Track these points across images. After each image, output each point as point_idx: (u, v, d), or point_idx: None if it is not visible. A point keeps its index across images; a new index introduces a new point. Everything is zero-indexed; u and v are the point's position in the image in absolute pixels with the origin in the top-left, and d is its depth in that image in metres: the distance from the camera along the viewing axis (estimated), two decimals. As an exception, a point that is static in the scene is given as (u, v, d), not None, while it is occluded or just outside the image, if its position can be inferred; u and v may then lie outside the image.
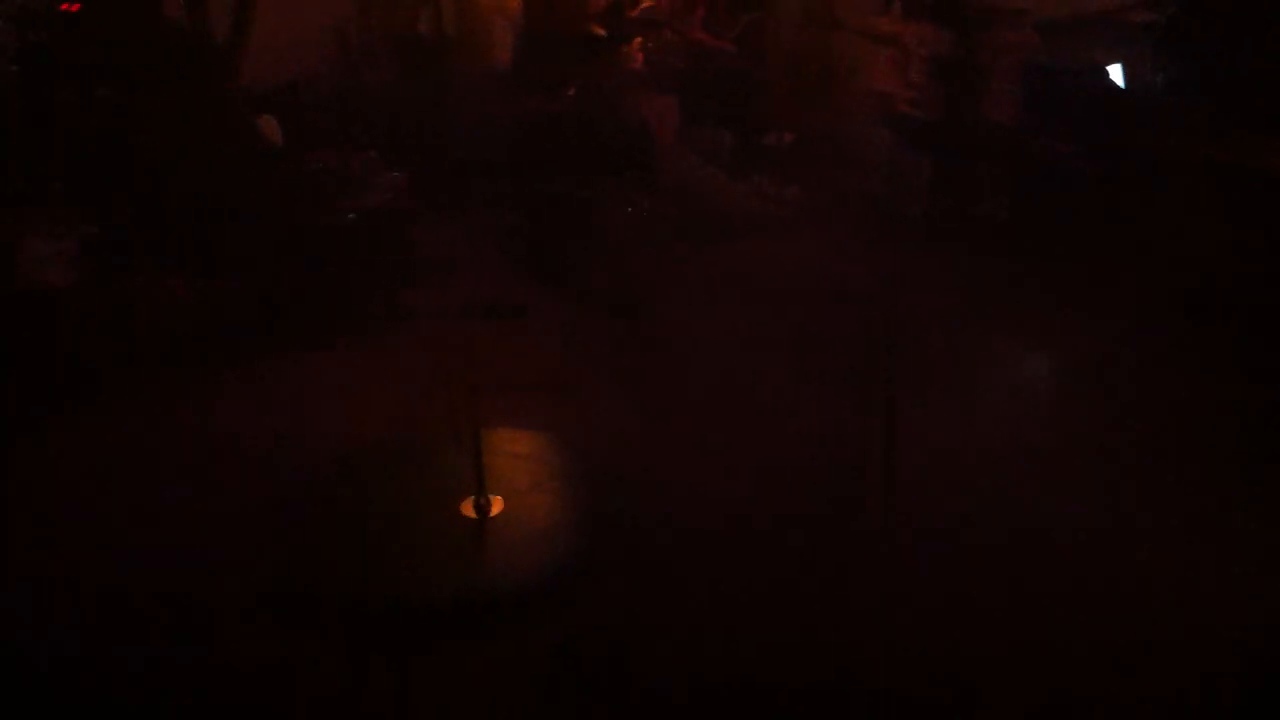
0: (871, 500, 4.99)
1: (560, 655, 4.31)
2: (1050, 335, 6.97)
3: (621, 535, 4.97)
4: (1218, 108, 7.57)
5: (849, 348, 6.31)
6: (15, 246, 6.64)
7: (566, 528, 5.03)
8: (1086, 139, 7.93)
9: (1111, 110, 8.04)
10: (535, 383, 6.45)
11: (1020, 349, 6.91)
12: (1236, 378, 6.17)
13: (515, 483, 5.26)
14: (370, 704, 4.14)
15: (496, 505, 5.04)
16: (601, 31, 9.01)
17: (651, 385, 6.49)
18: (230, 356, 6.77)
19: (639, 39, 9.53)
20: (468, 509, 5.00)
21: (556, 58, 8.27)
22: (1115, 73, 8.41)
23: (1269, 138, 7.02)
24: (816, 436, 5.77)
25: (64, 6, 6.29)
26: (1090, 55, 8.47)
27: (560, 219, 8.28)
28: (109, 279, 6.79)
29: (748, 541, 4.97)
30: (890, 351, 5.35)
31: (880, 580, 4.65)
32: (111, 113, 6.58)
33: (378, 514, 5.12)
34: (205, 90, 6.95)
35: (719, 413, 6.16)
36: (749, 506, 5.19)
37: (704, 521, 5.08)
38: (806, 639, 4.36)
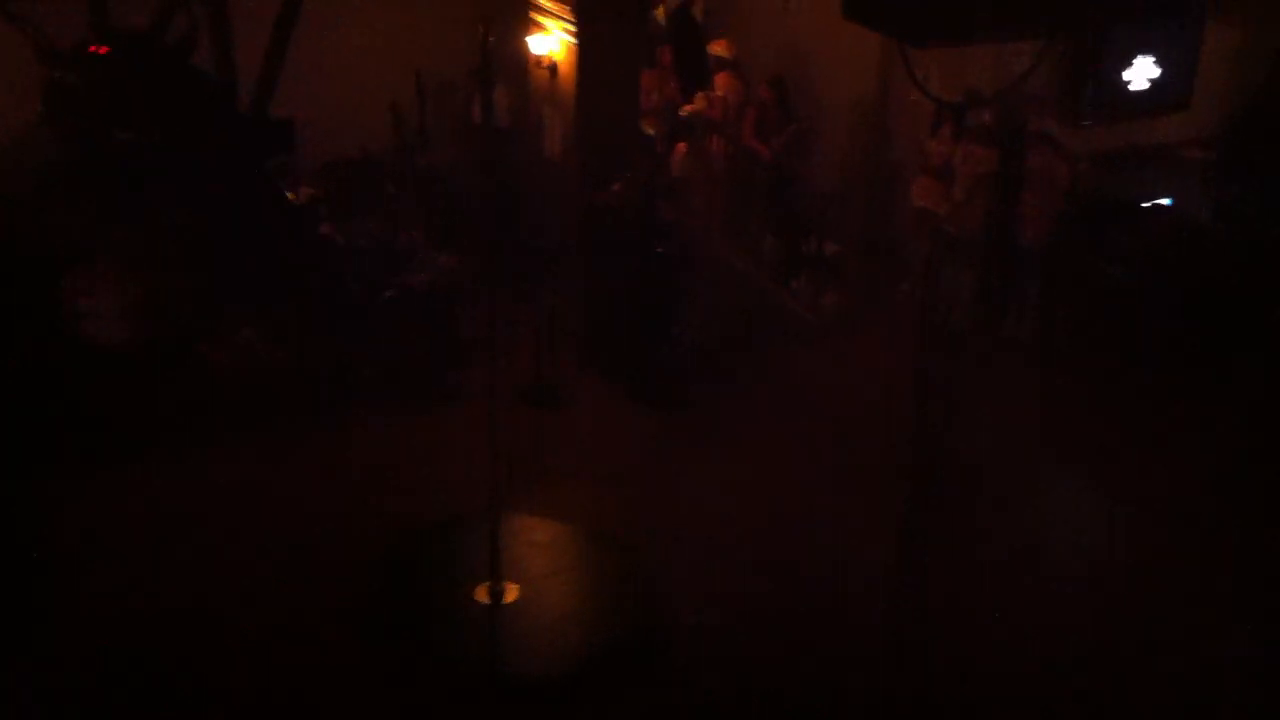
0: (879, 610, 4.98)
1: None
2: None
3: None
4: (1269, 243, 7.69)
5: (873, 460, 6.33)
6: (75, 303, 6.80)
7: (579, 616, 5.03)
8: (1128, 264, 8.00)
9: (1157, 239, 8.12)
10: (566, 471, 6.51)
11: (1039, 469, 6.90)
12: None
13: (532, 569, 5.28)
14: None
15: (511, 592, 5.05)
16: (651, 130, 9.15)
17: (677, 482, 6.52)
18: (256, 424, 6.85)
19: (687, 140, 9.66)
20: (482, 594, 5.01)
21: (604, 152, 8.39)
22: (1166, 204, 8.50)
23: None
24: (834, 545, 5.78)
25: (92, 49, 6.07)
26: (1143, 186, 8.56)
27: (605, 312, 8.36)
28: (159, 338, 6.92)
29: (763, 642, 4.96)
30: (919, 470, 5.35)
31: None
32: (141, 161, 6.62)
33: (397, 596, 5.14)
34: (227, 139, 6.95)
35: (742, 512, 6.18)
36: (766, 604, 5.19)
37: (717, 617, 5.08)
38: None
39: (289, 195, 8.00)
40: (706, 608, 5.15)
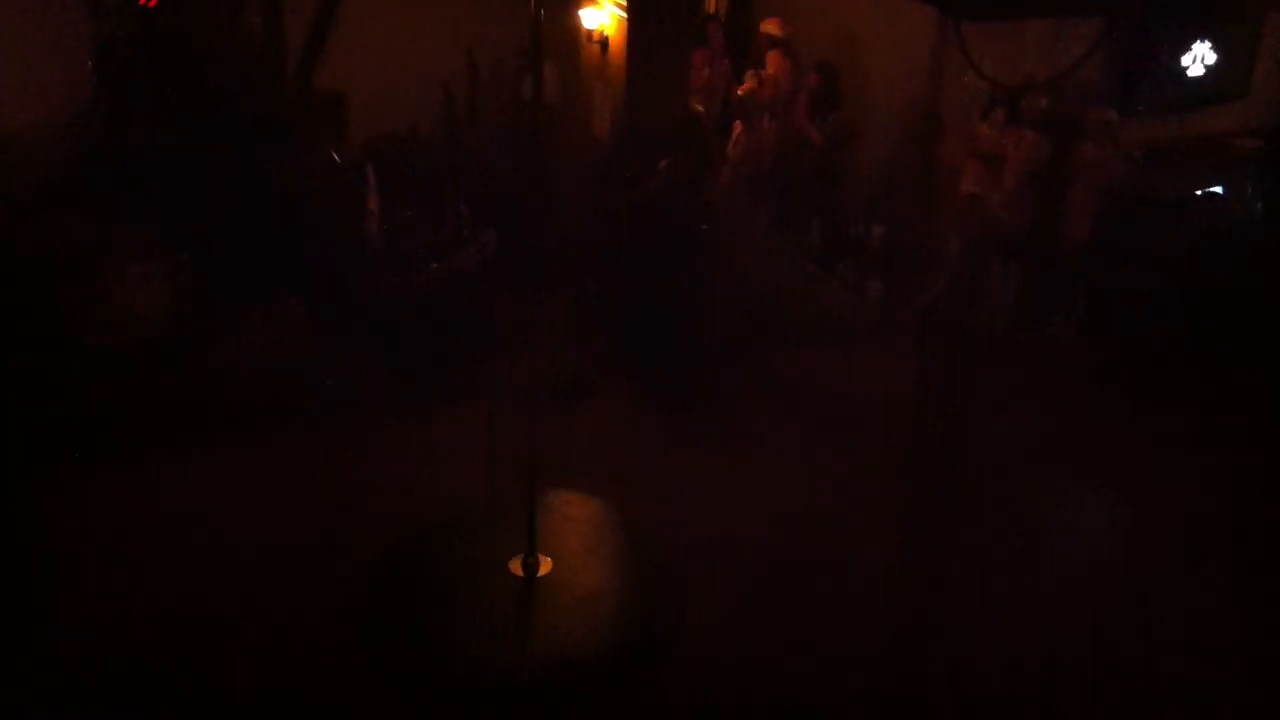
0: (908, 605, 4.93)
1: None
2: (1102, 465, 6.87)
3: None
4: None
5: (906, 459, 6.28)
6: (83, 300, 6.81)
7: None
8: (1174, 266, 7.88)
9: (1204, 238, 7.98)
10: (595, 466, 6.48)
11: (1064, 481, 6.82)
12: None
13: (567, 545, 5.27)
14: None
15: (545, 565, 5.04)
16: (700, 108, 9.11)
17: (705, 480, 6.48)
18: (291, 411, 6.87)
19: (739, 123, 9.61)
20: (516, 567, 5.02)
21: (653, 132, 8.36)
22: (1214, 199, 8.35)
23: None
24: (864, 542, 5.74)
25: (141, 1, 6.07)
26: (1191, 180, 8.43)
27: (641, 302, 8.33)
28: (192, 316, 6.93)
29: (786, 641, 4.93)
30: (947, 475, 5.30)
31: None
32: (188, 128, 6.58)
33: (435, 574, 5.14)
34: (278, 102, 6.84)
35: (765, 513, 6.14)
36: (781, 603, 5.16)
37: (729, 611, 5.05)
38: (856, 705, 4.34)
39: (336, 158, 7.98)
40: (719, 603, 5.11)
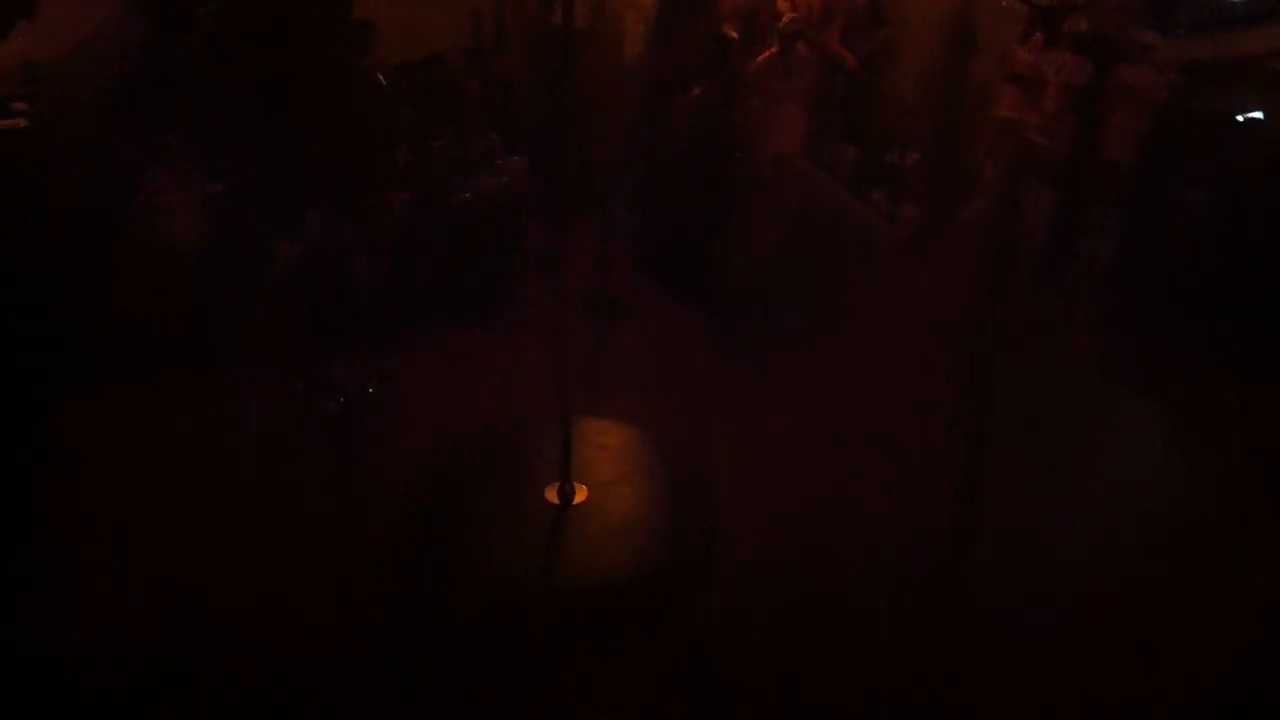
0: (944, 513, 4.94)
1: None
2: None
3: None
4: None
5: (933, 384, 6.27)
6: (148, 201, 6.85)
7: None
8: (1214, 187, 7.76)
9: (1244, 159, 7.85)
10: (627, 382, 6.49)
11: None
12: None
13: (600, 474, 5.29)
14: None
15: (580, 494, 5.07)
16: (734, 34, 8.97)
17: (736, 398, 6.50)
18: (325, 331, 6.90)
19: (773, 47, 9.46)
20: (551, 495, 5.04)
21: (684, 57, 8.26)
22: (1258, 117, 8.20)
23: None
24: (905, 452, 5.75)
25: None
26: (1233, 101, 8.28)
27: (674, 222, 8.30)
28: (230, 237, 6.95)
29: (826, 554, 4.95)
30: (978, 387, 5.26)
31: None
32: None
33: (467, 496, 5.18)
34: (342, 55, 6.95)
35: (795, 430, 6.15)
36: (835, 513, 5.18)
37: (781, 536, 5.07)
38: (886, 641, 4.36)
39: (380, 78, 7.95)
40: (750, 531, 5.14)
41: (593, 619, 4.48)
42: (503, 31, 9.78)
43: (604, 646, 4.35)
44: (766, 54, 9.13)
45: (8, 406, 5.32)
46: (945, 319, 7.24)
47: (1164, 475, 6.00)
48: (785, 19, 9.52)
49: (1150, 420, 6.70)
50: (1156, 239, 8.11)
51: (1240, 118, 8.14)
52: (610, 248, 7.97)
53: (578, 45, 9.41)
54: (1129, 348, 7.38)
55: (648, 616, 4.51)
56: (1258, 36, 8.29)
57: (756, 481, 5.51)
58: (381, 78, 7.80)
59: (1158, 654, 4.40)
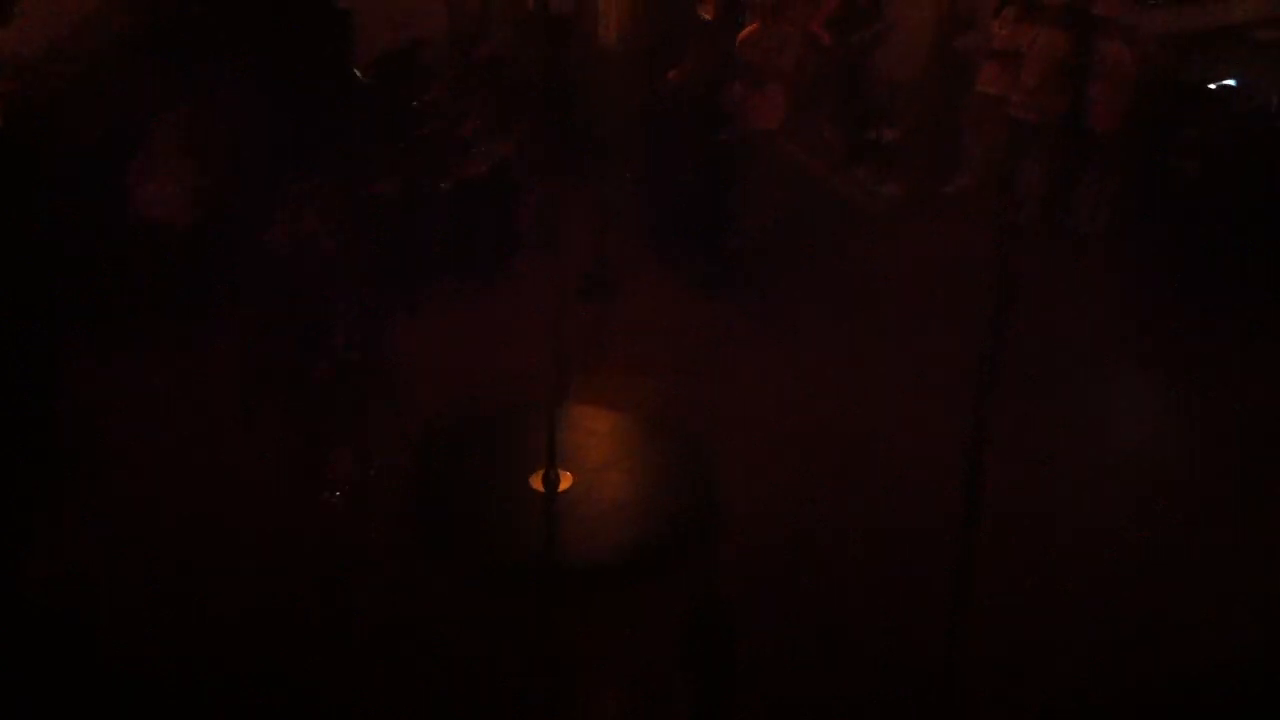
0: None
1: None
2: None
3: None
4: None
5: (927, 353, 6.30)
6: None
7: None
8: (1197, 154, 7.79)
9: (1225, 126, 7.89)
10: (623, 359, 6.52)
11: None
12: None
13: (588, 460, 5.32)
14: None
15: (565, 480, 5.10)
16: (710, 16, 8.97)
17: (733, 371, 6.53)
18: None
19: (754, 26, 9.45)
20: (536, 482, 5.07)
21: (664, 38, 8.27)
22: (1232, 84, 8.22)
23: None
24: (898, 427, 5.78)
25: None
26: (1211, 69, 8.30)
27: (661, 200, 8.32)
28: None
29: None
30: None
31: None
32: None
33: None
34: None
35: (795, 402, 6.18)
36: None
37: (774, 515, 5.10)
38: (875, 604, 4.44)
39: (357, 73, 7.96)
40: (753, 503, 5.17)
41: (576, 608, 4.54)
42: (485, 17, 9.76)
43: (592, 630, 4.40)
44: (749, 29, 9.14)
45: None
46: (932, 290, 7.30)
47: (1163, 442, 6.05)
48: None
49: (1151, 386, 6.76)
50: (1148, 208, 8.13)
51: (1213, 85, 8.16)
52: (599, 226, 7.97)
53: (559, 26, 9.43)
54: (1126, 315, 7.40)
55: (636, 604, 4.56)
56: (1237, 6, 8.32)
57: (748, 463, 5.54)
58: (359, 72, 7.83)
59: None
